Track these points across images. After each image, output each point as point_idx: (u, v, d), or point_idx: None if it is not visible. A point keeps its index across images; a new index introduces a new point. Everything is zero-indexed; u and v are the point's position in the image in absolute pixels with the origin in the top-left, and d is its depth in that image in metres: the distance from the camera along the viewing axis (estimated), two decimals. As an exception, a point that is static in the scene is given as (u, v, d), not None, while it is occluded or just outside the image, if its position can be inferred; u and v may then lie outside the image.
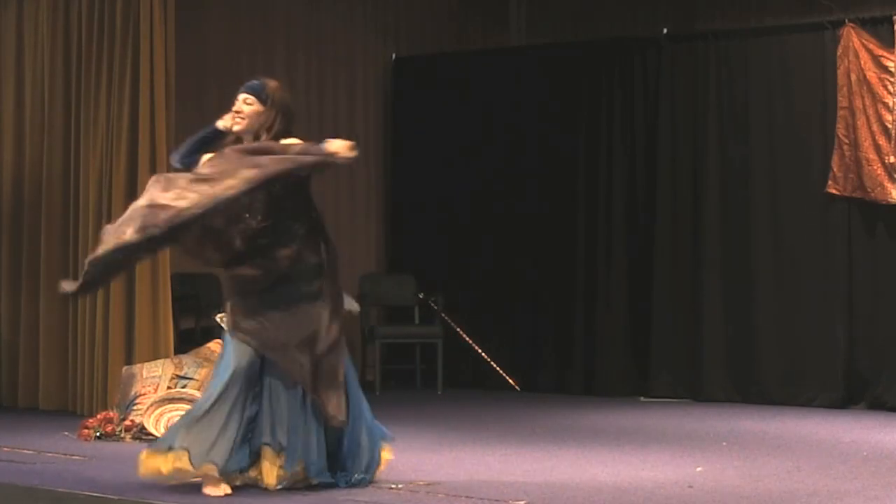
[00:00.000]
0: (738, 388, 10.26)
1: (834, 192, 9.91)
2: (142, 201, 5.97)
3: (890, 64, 9.70)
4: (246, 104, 6.23)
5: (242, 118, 6.21)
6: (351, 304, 6.55)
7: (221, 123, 6.25)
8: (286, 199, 6.11)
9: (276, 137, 6.17)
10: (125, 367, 8.47)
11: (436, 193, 11.59)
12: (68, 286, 6.20)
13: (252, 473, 6.12)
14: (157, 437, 6.98)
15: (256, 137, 6.19)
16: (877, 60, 9.75)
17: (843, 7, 10.21)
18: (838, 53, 9.87)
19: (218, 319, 8.77)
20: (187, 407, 7.92)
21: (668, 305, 10.60)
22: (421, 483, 6.36)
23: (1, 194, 9.74)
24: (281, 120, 6.22)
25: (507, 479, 6.55)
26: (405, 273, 11.61)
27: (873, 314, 9.86)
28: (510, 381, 11.14)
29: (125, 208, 8.83)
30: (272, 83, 6.31)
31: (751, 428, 8.73)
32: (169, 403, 7.97)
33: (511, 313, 11.33)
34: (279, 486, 6.05)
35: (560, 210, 11.14)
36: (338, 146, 6.01)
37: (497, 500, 5.94)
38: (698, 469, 6.93)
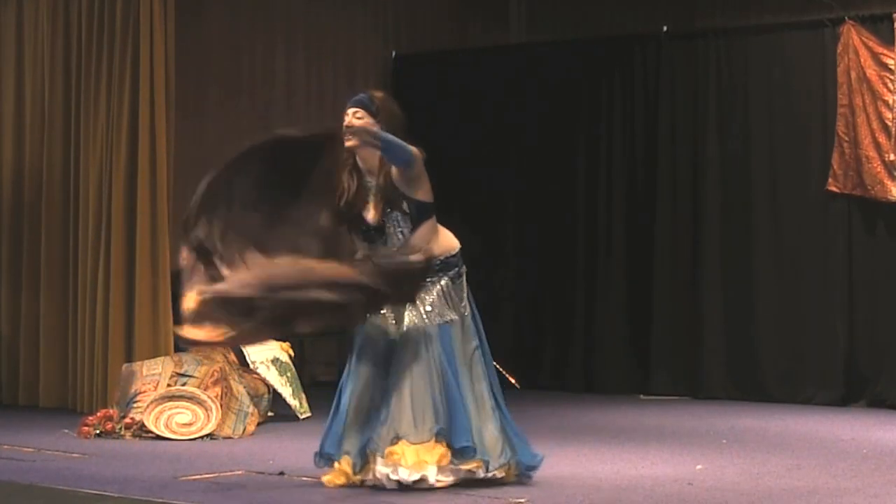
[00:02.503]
0: (738, 386, 10.25)
1: (834, 189, 9.90)
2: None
3: (890, 61, 9.70)
4: (356, 118, 6.21)
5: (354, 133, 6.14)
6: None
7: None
8: None
9: None
10: (125, 365, 8.47)
11: (434, 192, 11.54)
12: None
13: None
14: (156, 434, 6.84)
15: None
16: (877, 58, 9.75)
17: (843, 5, 10.20)
18: (838, 51, 9.87)
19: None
20: (187, 404, 7.94)
21: (668, 304, 10.59)
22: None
23: (1, 193, 9.74)
24: (388, 130, 6.18)
25: (507, 477, 6.54)
26: (405, 272, 11.56)
27: (873, 312, 9.86)
28: (510, 379, 11.13)
29: (125, 208, 8.98)
30: (378, 94, 6.28)
31: (751, 426, 8.72)
32: (169, 401, 7.96)
33: (511, 312, 11.32)
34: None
35: (560, 208, 11.13)
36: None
37: (497, 499, 5.93)
38: (698, 467, 6.92)
